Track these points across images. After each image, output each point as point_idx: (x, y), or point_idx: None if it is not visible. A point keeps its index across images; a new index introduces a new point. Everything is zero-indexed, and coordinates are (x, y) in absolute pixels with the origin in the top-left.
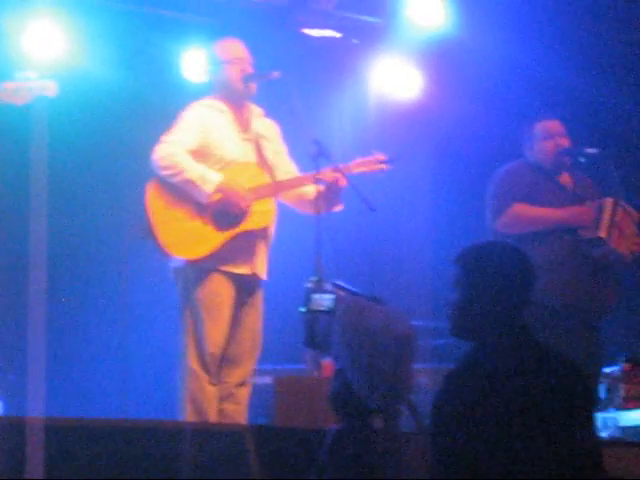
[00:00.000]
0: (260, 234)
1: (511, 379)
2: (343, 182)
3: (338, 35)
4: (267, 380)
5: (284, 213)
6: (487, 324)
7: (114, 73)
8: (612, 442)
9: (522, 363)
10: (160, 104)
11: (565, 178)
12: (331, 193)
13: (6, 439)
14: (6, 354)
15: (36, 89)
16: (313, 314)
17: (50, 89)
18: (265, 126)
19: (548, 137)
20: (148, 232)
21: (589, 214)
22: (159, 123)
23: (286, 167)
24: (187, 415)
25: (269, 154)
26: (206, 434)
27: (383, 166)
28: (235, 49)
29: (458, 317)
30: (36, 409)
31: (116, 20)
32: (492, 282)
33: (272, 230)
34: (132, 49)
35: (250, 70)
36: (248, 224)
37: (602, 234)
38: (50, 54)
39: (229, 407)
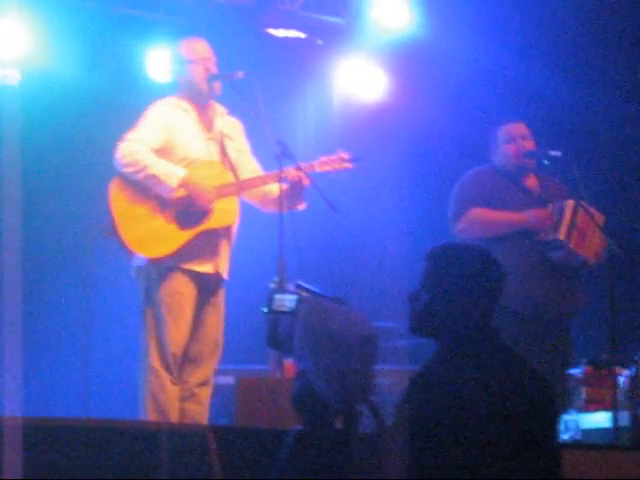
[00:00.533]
0: (223, 233)
1: (477, 382)
2: (306, 181)
3: (302, 35)
4: (229, 380)
5: (248, 212)
6: (453, 325)
7: (79, 71)
8: (573, 445)
9: (489, 366)
10: (124, 103)
11: (531, 181)
12: (294, 192)
13: None
14: None
15: None
16: (275, 314)
17: (11, 77)
18: (229, 125)
19: (511, 140)
20: (111, 230)
21: (549, 217)
22: (123, 121)
23: (249, 166)
24: (148, 414)
25: (232, 153)
26: (167, 434)
27: (347, 165)
28: (200, 49)
29: (422, 314)
30: (11, 409)
31: (81, 18)
32: (462, 282)
33: (235, 229)
34: (97, 47)
35: (214, 70)
36: (211, 222)
37: (560, 236)
38: (15, 52)
39: (190, 407)
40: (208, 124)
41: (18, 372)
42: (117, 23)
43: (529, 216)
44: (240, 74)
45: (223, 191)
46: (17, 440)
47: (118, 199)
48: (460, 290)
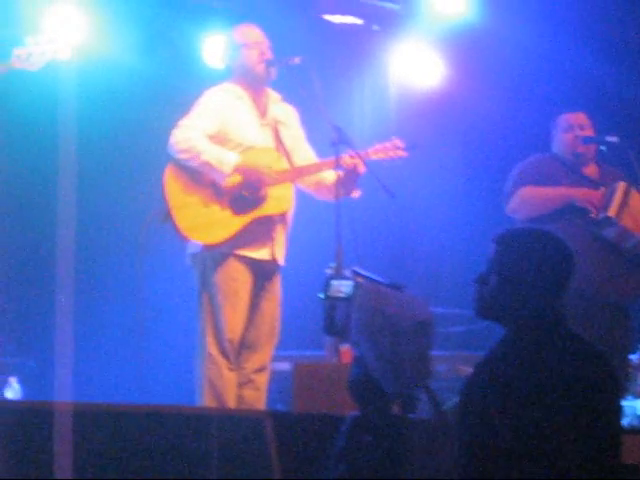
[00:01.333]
0: (278, 219)
1: (543, 367)
2: (362, 168)
3: (359, 21)
4: (286, 366)
5: (305, 198)
6: (521, 309)
7: (134, 57)
8: (630, 430)
9: (555, 352)
10: (179, 89)
11: (591, 170)
12: (350, 179)
13: (24, 423)
14: (25, 341)
15: (49, 53)
16: (332, 301)
17: (63, 53)
18: (283, 111)
19: (569, 129)
20: (166, 217)
21: (600, 197)
22: (178, 108)
23: (304, 153)
24: (206, 401)
25: (287, 139)
26: (224, 420)
27: (402, 153)
28: (253, 34)
29: (490, 298)
30: (63, 395)
31: (138, 3)
32: (531, 266)
33: (290, 216)
34: (153, 33)
35: (269, 54)
36: (266, 209)
37: (610, 213)
38: (72, 38)
39: (247, 393)
40: (262, 110)
41: (70, 358)
42: (173, 9)
43: (580, 192)
44: (297, 60)
45: (278, 177)
46: (69, 425)
47: (173, 186)
48: (529, 274)
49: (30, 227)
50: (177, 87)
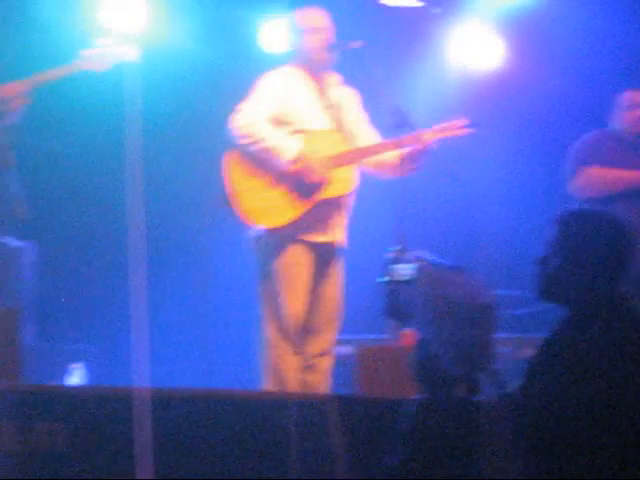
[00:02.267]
0: (340, 202)
1: (606, 348)
2: (425, 148)
3: (419, 4)
4: (349, 350)
5: (366, 180)
6: (583, 291)
7: (195, 43)
8: None
9: (617, 334)
10: (240, 74)
11: None
12: (413, 159)
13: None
14: (89, 327)
15: (115, 55)
16: (394, 284)
17: (130, 54)
18: (343, 94)
19: (630, 107)
20: (228, 201)
21: None
22: (238, 93)
23: (367, 135)
24: (269, 386)
25: (348, 122)
26: (288, 404)
27: (463, 131)
28: (317, 18)
29: (552, 279)
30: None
31: None
32: (593, 248)
33: (352, 198)
34: (213, 19)
35: (331, 40)
36: (328, 192)
37: None
38: (130, 25)
39: (310, 377)
40: (323, 93)
41: (146, 344)
42: None
43: None
44: (357, 43)
45: (340, 160)
46: (147, 411)
47: (234, 170)
48: (590, 255)
49: (96, 214)
50: (237, 72)
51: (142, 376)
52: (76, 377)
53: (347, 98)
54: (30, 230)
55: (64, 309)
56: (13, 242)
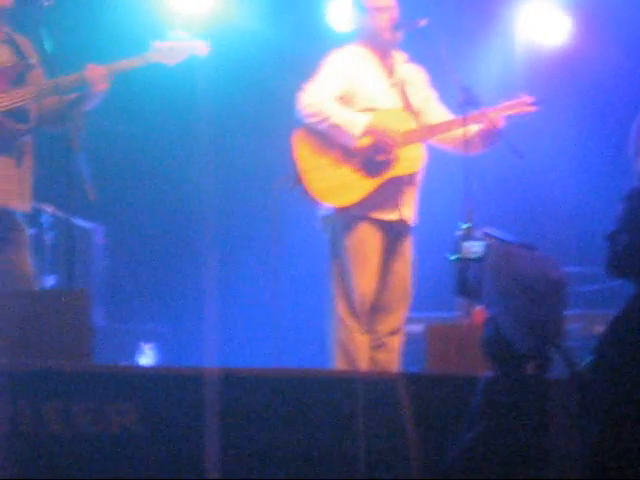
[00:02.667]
0: (409, 180)
1: None
2: (495, 125)
3: None
4: (419, 328)
5: (435, 158)
6: None
7: (261, 23)
8: None
9: None
10: (306, 53)
11: None
12: (483, 136)
13: (158, 389)
14: (159, 307)
15: (188, 49)
16: (464, 262)
17: (202, 49)
18: (411, 72)
19: None
20: (297, 181)
21: None
22: (305, 72)
23: (437, 112)
24: (338, 365)
25: (415, 99)
26: (358, 382)
27: (531, 108)
28: None
29: (622, 255)
30: (210, 360)
31: None
32: None
33: (420, 176)
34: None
35: (396, 18)
36: (397, 170)
37: None
38: (198, 10)
39: (381, 356)
40: (389, 71)
41: (215, 324)
42: None
43: None
44: (423, 22)
45: (408, 137)
46: (217, 390)
47: (302, 150)
48: None
49: (166, 196)
50: (303, 51)
51: (212, 356)
52: (147, 357)
53: (414, 76)
54: (100, 212)
55: (135, 289)
56: (83, 224)
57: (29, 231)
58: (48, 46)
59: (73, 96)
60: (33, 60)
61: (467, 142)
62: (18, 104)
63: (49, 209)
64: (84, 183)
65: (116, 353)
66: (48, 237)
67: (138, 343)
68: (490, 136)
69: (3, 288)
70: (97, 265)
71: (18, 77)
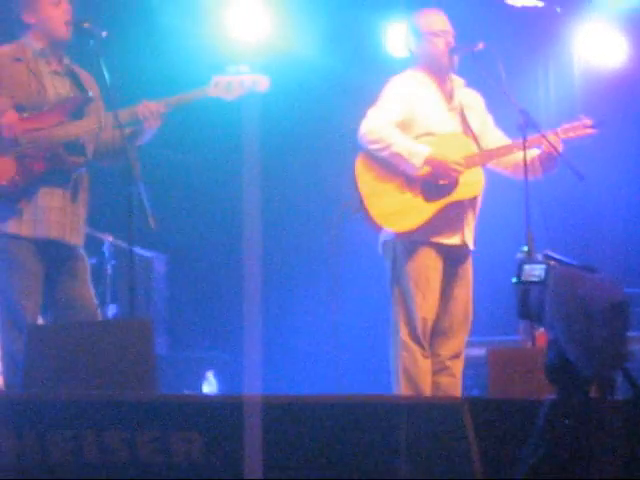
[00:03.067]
0: (468, 204)
1: None
2: (555, 148)
3: (540, 4)
4: (480, 352)
5: (494, 181)
6: None
7: (318, 51)
8: None
9: None
10: (364, 79)
11: None
12: (546, 159)
13: (222, 417)
14: (220, 335)
15: (248, 84)
16: (525, 285)
17: (262, 84)
18: (469, 96)
19: None
20: (359, 205)
21: None
22: (364, 98)
23: (494, 136)
24: (402, 389)
25: (474, 123)
26: (422, 407)
27: (590, 131)
28: (438, 21)
29: None
30: (253, 387)
31: None
32: None
33: (479, 199)
34: (336, 26)
35: (452, 42)
36: (457, 194)
37: None
38: (256, 36)
39: (443, 380)
40: (448, 96)
41: (258, 350)
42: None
43: None
44: (480, 45)
45: (468, 162)
46: (259, 417)
47: (365, 175)
48: None
49: (220, 225)
50: (361, 77)
51: (254, 383)
52: (210, 385)
53: (472, 99)
54: (161, 241)
55: (196, 317)
56: (144, 253)
57: (88, 261)
58: (108, 78)
59: (128, 131)
60: (93, 93)
61: (527, 166)
62: (75, 137)
63: (110, 238)
64: (144, 212)
65: (179, 381)
66: (109, 266)
67: (201, 371)
68: (550, 160)
69: (65, 319)
70: (159, 294)
71: (77, 110)
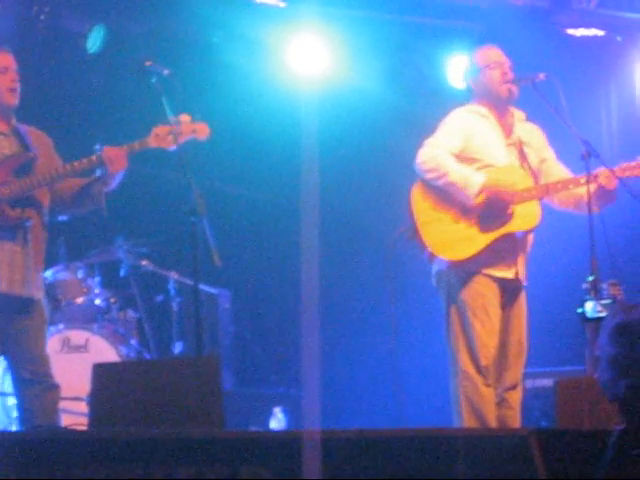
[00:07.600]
0: (522, 237)
1: None
2: (613, 184)
3: (601, 33)
4: (548, 382)
5: (556, 213)
6: None
7: (378, 83)
8: None
9: None
10: (424, 111)
11: None
12: (602, 194)
13: (288, 452)
14: (288, 369)
15: (187, 133)
16: (591, 316)
17: (202, 132)
18: (528, 131)
19: None
20: (414, 233)
21: None
22: (424, 130)
23: (555, 172)
24: (465, 419)
25: (532, 158)
26: (489, 440)
27: None
28: (493, 54)
29: None
30: (312, 422)
31: (379, 30)
32: None
33: (532, 236)
34: (396, 58)
35: (511, 74)
36: (513, 226)
37: None
38: (315, 69)
39: (502, 412)
40: (507, 130)
41: (317, 385)
42: (416, 33)
43: None
44: (541, 76)
45: (524, 195)
46: (317, 453)
47: (420, 203)
48: None
49: (283, 260)
50: (421, 109)
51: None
52: (277, 421)
53: (531, 134)
54: (226, 277)
55: (262, 353)
56: (209, 289)
57: (156, 299)
58: (169, 115)
59: (93, 178)
60: (42, 149)
61: (582, 202)
62: (19, 193)
63: (175, 276)
64: (209, 249)
65: (246, 417)
66: (175, 304)
67: (268, 407)
68: (605, 197)
69: (14, 371)
70: (224, 330)
71: (20, 168)
